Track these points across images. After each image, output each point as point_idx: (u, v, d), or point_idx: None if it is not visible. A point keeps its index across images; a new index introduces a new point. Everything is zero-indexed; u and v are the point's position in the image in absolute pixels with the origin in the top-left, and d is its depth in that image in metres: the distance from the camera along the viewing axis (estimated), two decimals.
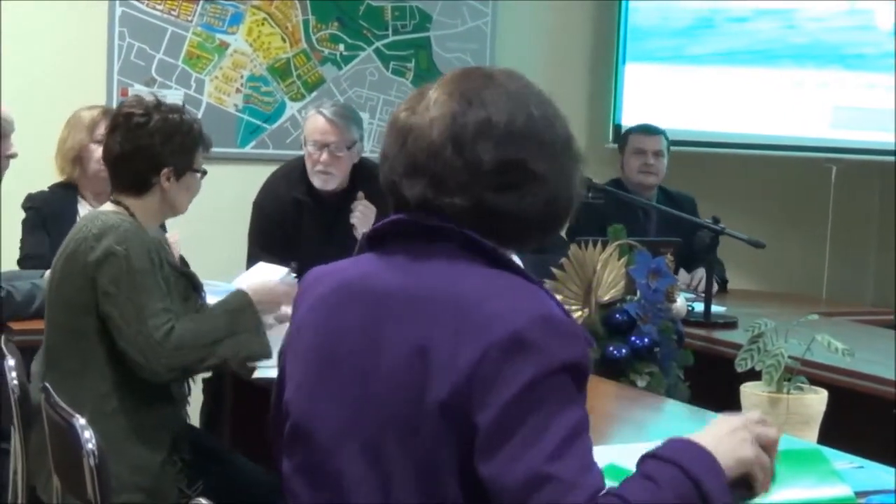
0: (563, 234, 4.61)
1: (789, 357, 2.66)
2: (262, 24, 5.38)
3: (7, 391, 2.87)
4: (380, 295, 1.70)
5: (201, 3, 5.25)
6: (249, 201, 4.52)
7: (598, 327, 3.43)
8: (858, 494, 2.00)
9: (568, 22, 5.97)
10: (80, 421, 2.26)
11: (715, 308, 4.22)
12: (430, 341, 1.62)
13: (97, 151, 3.67)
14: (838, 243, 6.20)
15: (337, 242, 4.03)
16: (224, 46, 5.32)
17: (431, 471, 1.60)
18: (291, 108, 5.44)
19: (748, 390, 2.71)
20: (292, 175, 4.49)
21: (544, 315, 1.62)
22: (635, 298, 3.48)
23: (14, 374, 2.85)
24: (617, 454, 2.10)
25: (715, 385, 2.99)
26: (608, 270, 3.48)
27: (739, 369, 2.77)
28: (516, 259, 1.79)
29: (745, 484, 1.69)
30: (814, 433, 2.62)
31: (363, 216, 4.30)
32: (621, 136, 5.41)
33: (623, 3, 5.95)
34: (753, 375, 2.74)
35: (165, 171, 3.06)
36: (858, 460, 2.31)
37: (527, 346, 1.58)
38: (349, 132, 4.38)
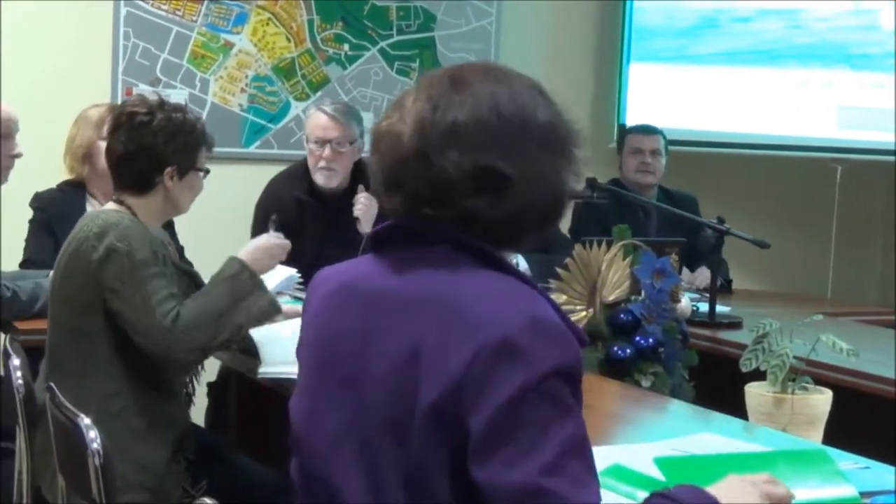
0: (566, 234, 4.64)
1: (794, 357, 2.66)
2: (267, 23, 5.38)
3: (12, 391, 2.87)
4: (377, 296, 1.70)
5: (206, 2, 5.25)
6: (253, 201, 4.51)
7: (602, 327, 3.44)
8: (863, 495, 2.00)
9: (572, 22, 5.97)
10: (85, 420, 2.26)
11: (719, 308, 4.21)
12: (423, 343, 1.61)
13: None
14: (843, 243, 6.20)
15: (339, 242, 4.04)
16: (229, 46, 5.32)
17: (423, 473, 1.60)
18: (296, 107, 5.43)
19: (753, 390, 2.71)
20: (294, 176, 4.53)
21: (536, 318, 1.60)
22: (640, 298, 3.48)
23: (19, 373, 2.84)
24: (621, 454, 2.11)
25: (720, 385, 2.98)
26: (613, 270, 3.48)
27: (744, 369, 2.78)
28: (520, 259, 1.79)
29: None
30: (819, 433, 2.62)
31: (366, 208, 4.32)
32: (619, 137, 5.41)
33: (627, 2, 5.95)
34: (758, 375, 2.74)
35: (168, 170, 3.06)
36: (863, 460, 2.30)
37: (517, 351, 1.56)
38: (350, 128, 4.41)
